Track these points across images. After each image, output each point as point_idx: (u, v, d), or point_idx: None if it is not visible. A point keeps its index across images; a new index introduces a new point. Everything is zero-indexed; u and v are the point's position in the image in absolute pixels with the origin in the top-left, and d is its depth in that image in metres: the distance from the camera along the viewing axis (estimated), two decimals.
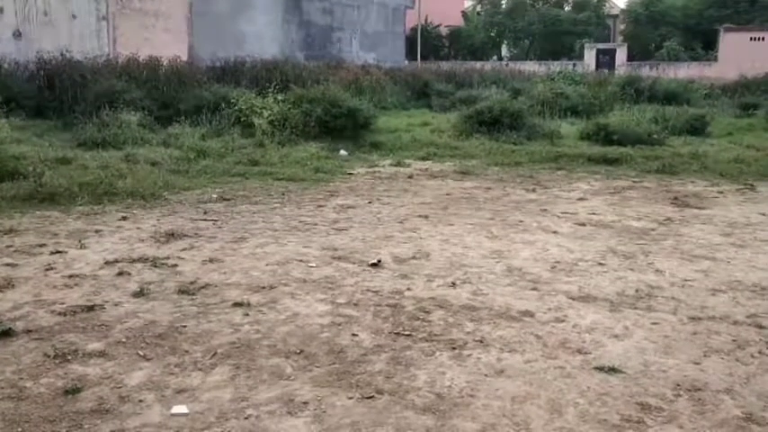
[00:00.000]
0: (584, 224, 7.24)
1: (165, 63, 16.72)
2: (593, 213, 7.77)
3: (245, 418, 3.19)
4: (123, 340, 4.06)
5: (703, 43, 39.61)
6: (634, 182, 9.97)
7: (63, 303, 4.64)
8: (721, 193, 9.19)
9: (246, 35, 22.86)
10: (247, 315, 4.48)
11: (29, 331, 4.16)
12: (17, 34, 17.04)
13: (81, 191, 7.96)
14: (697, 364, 3.84)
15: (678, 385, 3.57)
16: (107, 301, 4.69)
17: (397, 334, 4.20)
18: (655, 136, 13.51)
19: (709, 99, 22.75)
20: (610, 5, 49.47)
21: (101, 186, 8.17)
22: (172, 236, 6.45)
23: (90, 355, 3.84)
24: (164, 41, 18.95)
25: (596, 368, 3.75)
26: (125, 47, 17.75)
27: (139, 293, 4.85)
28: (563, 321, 4.45)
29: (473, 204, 8.22)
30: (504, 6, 48.57)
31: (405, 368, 3.74)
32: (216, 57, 20.19)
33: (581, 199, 8.66)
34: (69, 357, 3.80)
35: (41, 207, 7.47)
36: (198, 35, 20.70)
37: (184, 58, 18.97)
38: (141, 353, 3.88)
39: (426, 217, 7.48)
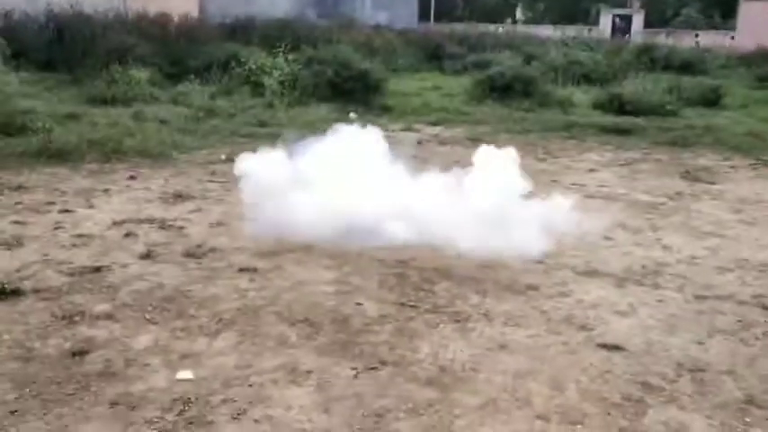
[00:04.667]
0: (593, 197, 7.19)
1: (175, 19, 16.55)
2: (603, 185, 7.71)
3: (249, 386, 3.23)
4: (130, 303, 4.09)
5: (722, 12, 38.83)
6: (645, 154, 9.87)
7: (71, 263, 4.67)
8: (733, 167, 9.08)
9: None
10: (253, 281, 4.50)
11: (37, 291, 4.20)
12: None
13: (90, 148, 7.96)
14: (701, 344, 3.84)
15: (680, 365, 3.58)
16: (114, 263, 4.72)
17: (402, 304, 4.22)
18: (668, 107, 13.33)
19: (725, 69, 22.38)
20: None
21: (109, 144, 8.16)
22: (179, 197, 6.46)
23: (97, 317, 3.87)
24: None
25: (599, 345, 3.76)
26: (135, 1, 17.55)
27: (146, 255, 4.88)
28: (568, 296, 4.46)
29: None
30: None
31: (408, 339, 3.76)
32: (226, 14, 19.95)
33: (591, 170, 8.58)
34: (77, 319, 3.84)
35: (50, 164, 7.48)
36: None
37: (195, 14, 18.77)
38: (148, 316, 3.92)
39: None
